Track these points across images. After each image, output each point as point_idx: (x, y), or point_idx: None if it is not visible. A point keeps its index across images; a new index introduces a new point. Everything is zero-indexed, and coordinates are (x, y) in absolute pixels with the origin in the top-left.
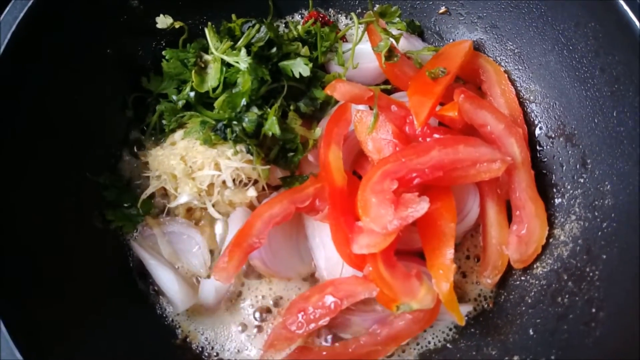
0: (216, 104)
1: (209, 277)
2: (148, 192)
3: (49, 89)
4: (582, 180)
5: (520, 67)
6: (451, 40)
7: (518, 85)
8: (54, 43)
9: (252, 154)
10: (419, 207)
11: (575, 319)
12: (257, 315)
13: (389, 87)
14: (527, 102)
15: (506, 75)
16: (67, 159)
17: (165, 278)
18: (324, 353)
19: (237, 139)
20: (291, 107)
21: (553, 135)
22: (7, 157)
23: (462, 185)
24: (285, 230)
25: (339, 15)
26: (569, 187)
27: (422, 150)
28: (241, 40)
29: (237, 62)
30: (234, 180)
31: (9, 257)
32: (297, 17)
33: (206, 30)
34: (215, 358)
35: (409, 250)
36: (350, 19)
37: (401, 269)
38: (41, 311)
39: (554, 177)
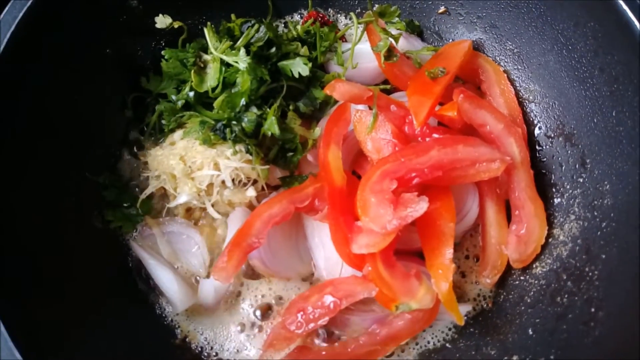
0: (215, 104)
1: (208, 277)
2: (147, 192)
3: (48, 88)
4: (581, 180)
5: (519, 67)
6: (450, 40)
7: (517, 85)
8: (54, 43)
9: (251, 154)
10: (418, 206)
11: (574, 319)
12: (257, 315)
13: (388, 87)
14: (527, 101)
15: (505, 75)
16: (66, 159)
17: (165, 278)
18: (323, 353)
19: (236, 138)
20: (290, 107)
21: (552, 135)
22: (7, 157)
23: (461, 185)
24: (285, 230)
25: (338, 15)
26: (568, 186)
27: (422, 150)
28: (240, 40)
29: (236, 62)
30: (233, 180)
31: (9, 257)
32: (297, 17)
33: (205, 30)
34: (215, 358)
35: (408, 250)
36: (350, 18)
37: (400, 268)
38: (41, 311)
39: (553, 176)
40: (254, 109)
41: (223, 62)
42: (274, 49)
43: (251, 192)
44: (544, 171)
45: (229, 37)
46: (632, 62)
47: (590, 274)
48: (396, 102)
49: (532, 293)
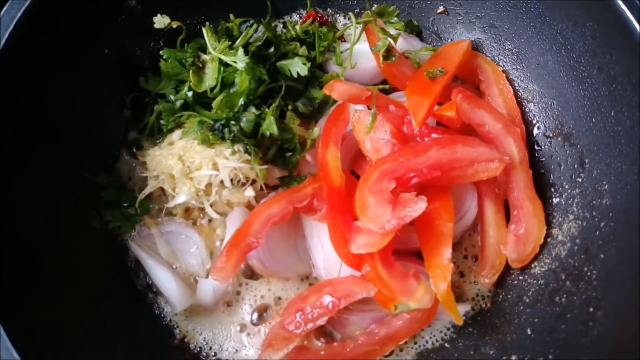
0: (214, 104)
1: (207, 276)
2: (146, 192)
3: (47, 88)
4: (580, 180)
5: (518, 67)
6: (449, 40)
7: (516, 84)
8: (52, 43)
9: (250, 154)
10: (417, 206)
11: (573, 319)
12: (255, 315)
13: (387, 86)
14: (525, 101)
15: (504, 74)
16: (65, 159)
17: (163, 278)
18: (322, 353)
19: (235, 138)
20: (289, 107)
21: (551, 135)
22: (5, 157)
23: (460, 185)
24: (283, 230)
25: (337, 15)
26: (566, 186)
27: (420, 150)
28: (239, 40)
29: (234, 62)
30: (231, 180)
31: (8, 257)
32: (295, 17)
33: (204, 30)
34: (213, 358)
35: (406, 249)
36: (348, 18)
37: (399, 268)
38: (40, 311)
39: (551, 176)
40: (253, 109)
41: (221, 62)
42: (272, 49)
43: (250, 192)
44: (542, 171)
45: (228, 37)
46: (631, 61)
47: (588, 273)
48: (395, 102)
49: (530, 293)
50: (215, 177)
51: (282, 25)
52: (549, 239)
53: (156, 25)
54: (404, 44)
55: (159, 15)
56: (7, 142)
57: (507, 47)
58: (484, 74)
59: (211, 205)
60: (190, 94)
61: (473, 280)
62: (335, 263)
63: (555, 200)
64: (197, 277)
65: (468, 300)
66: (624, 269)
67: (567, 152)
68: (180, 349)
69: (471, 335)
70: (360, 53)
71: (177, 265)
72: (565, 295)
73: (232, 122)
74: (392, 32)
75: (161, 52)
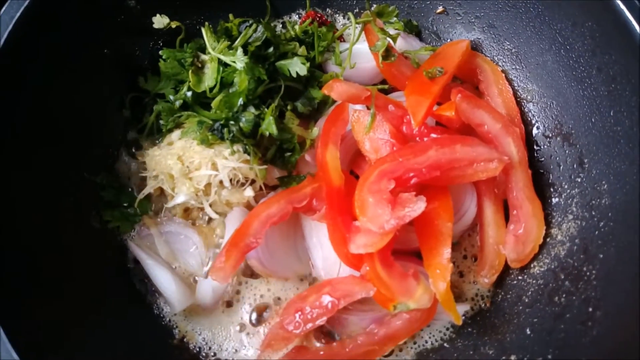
0: (213, 104)
1: (206, 277)
2: (145, 192)
3: (46, 88)
4: (579, 180)
5: (517, 67)
6: (449, 40)
7: (515, 84)
8: (51, 43)
9: (249, 154)
10: (416, 206)
11: (572, 319)
12: (255, 315)
13: (386, 86)
14: (525, 101)
15: (503, 74)
16: (65, 159)
17: (163, 278)
18: (321, 353)
19: (234, 138)
20: (288, 107)
21: (550, 135)
22: (6, 157)
23: (459, 185)
24: (283, 230)
25: (337, 15)
26: (566, 186)
27: (420, 150)
28: (238, 40)
29: (233, 62)
30: (231, 180)
31: (8, 257)
32: (295, 17)
33: (203, 30)
34: (213, 358)
35: (406, 249)
36: (348, 18)
37: (398, 268)
38: (39, 311)
39: (551, 176)
40: (252, 109)
41: (221, 62)
42: (271, 49)
43: (249, 192)
44: (541, 171)
45: (227, 37)
46: (630, 61)
47: (588, 273)
48: (394, 102)
49: (530, 293)
50: (214, 177)
51: (281, 25)
52: (548, 239)
53: (155, 25)
54: (403, 44)
55: (158, 15)
56: (6, 142)
57: (506, 47)
58: (483, 74)
59: (210, 205)
60: (189, 94)
61: (472, 280)
62: (335, 263)
63: (554, 200)
64: (196, 277)
65: (467, 300)
66: (623, 269)
67: (567, 152)
68: (180, 349)
69: (470, 335)
70: (359, 53)
71: (177, 265)
72: (564, 295)
73: (232, 122)
74: (392, 32)
75: (160, 52)
